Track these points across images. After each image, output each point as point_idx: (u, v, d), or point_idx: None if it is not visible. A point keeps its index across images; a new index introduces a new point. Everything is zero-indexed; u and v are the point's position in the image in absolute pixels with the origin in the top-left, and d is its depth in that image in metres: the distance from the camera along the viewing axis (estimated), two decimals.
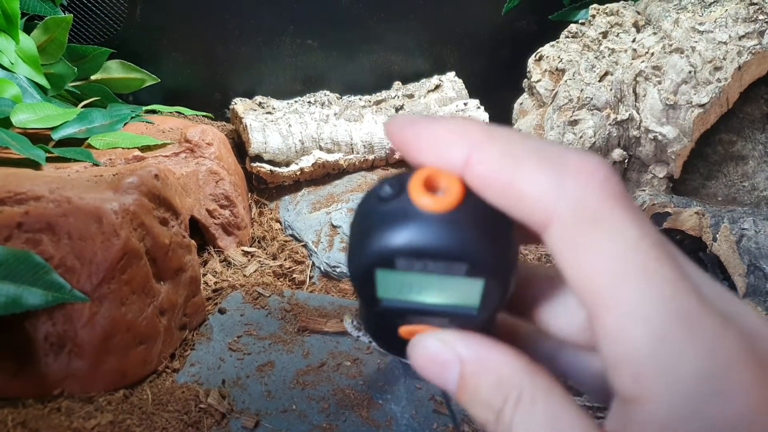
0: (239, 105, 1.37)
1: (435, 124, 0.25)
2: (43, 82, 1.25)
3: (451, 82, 1.44)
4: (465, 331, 0.27)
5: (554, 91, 1.33)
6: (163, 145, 1.17)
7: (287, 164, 1.30)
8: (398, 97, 1.43)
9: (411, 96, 1.43)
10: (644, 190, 1.21)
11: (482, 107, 1.41)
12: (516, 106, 1.43)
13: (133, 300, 0.88)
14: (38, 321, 0.83)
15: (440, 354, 0.27)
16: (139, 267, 0.89)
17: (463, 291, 0.27)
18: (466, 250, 0.25)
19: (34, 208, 0.86)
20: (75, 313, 0.84)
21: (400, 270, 0.27)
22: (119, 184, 0.93)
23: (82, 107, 1.28)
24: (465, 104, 1.39)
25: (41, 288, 0.82)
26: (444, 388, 0.28)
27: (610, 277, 0.21)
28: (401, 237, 0.25)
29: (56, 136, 1.14)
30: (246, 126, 1.29)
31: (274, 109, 1.37)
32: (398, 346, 0.31)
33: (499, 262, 0.26)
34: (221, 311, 1.02)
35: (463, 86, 1.44)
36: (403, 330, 0.30)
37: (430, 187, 0.26)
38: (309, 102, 1.40)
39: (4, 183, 0.89)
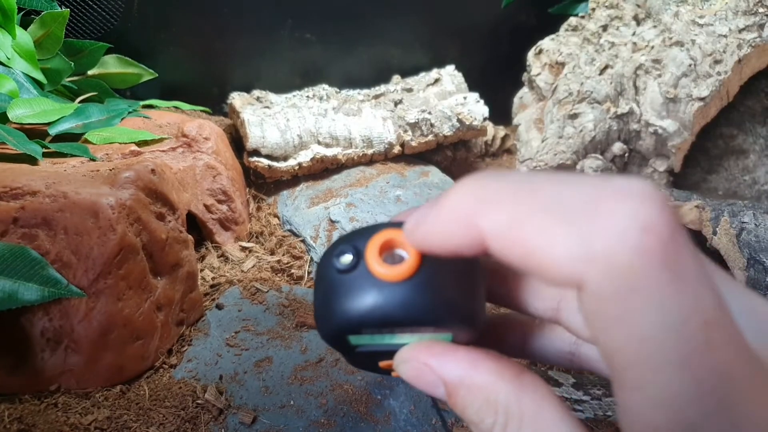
0: (237, 99, 1.36)
1: (435, 216, 0.23)
2: (40, 77, 1.24)
3: (450, 75, 1.44)
4: (448, 347, 0.26)
5: (554, 85, 1.32)
6: (160, 140, 1.16)
7: (285, 159, 1.29)
8: (397, 91, 1.42)
9: (410, 90, 1.42)
10: None
11: (482, 101, 1.40)
12: (516, 99, 1.42)
13: (129, 295, 0.87)
14: (35, 316, 0.83)
15: (424, 375, 0.27)
16: (136, 262, 0.88)
17: (434, 336, 0.27)
18: (429, 316, 0.25)
19: (30, 203, 0.85)
20: (71, 309, 0.83)
21: (367, 334, 0.27)
22: (116, 178, 0.92)
23: (79, 102, 1.27)
24: (464, 98, 1.39)
25: (37, 283, 0.81)
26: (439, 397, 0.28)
27: (645, 358, 0.18)
28: (363, 308, 0.25)
29: (53, 131, 1.13)
30: (243, 121, 1.29)
31: (272, 103, 1.37)
32: (383, 371, 0.31)
33: (465, 314, 0.26)
34: (219, 307, 1.02)
35: (463, 80, 1.43)
36: (383, 364, 0.30)
37: (387, 251, 0.25)
38: (307, 96, 1.39)
39: (0, 178, 0.89)
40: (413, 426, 0.84)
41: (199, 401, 0.84)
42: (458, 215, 0.22)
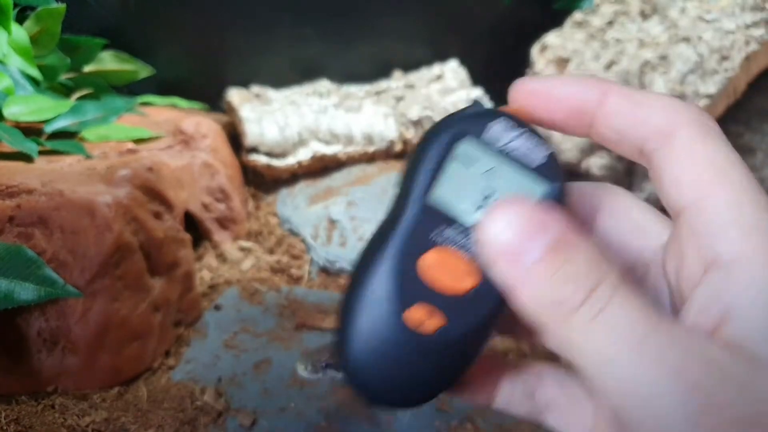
0: (235, 96, 1.35)
1: (564, 78, 0.29)
2: (36, 74, 1.22)
3: (453, 71, 1.42)
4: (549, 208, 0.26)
5: None
6: (157, 138, 1.15)
7: (284, 157, 1.27)
8: (399, 87, 1.40)
9: (412, 86, 1.41)
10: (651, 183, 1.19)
11: (486, 97, 1.38)
12: None
13: (126, 295, 0.86)
14: (31, 317, 0.81)
15: (525, 220, 0.25)
16: (133, 262, 0.87)
17: None
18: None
19: (26, 202, 0.84)
20: (68, 309, 0.82)
21: None
22: (112, 177, 0.91)
23: (76, 99, 1.25)
24: (469, 95, 1.37)
25: (34, 283, 0.80)
26: (507, 278, 0.25)
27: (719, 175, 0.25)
28: None
29: (49, 129, 1.12)
30: (241, 118, 1.27)
31: (270, 99, 1.35)
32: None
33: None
34: (217, 307, 1.00)
35: (466, 75, 1.42)
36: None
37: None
38: (307, 92, 1.37)
39: None
40: (416, 430, 0.82)
41: (197, 403, 0.82)
42: (587, 82, 0.29)
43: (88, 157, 1.04)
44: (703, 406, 0.21)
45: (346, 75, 1.49)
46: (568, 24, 1.37)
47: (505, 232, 0.24)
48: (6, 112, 1.10)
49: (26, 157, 1.01)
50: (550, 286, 0.24)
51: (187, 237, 0.99)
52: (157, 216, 0.94)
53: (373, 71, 1.50)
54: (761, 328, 0.23)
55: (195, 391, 0.84)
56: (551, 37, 1.36)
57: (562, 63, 1.34)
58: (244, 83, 1.43)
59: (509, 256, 0.25)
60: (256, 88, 1.39)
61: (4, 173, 0.89)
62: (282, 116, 1.29)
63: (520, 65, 1.40)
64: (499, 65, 1.54)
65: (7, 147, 1.04)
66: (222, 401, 0.83)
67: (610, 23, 1.33)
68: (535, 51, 1.37)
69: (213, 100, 1.47)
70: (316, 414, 0.83)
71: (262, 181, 1.31)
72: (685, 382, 0.21)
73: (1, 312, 0.79)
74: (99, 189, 0.88)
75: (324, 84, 1.41)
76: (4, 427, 0.75)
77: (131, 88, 1.42)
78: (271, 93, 1.38)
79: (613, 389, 0.23)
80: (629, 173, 1.32)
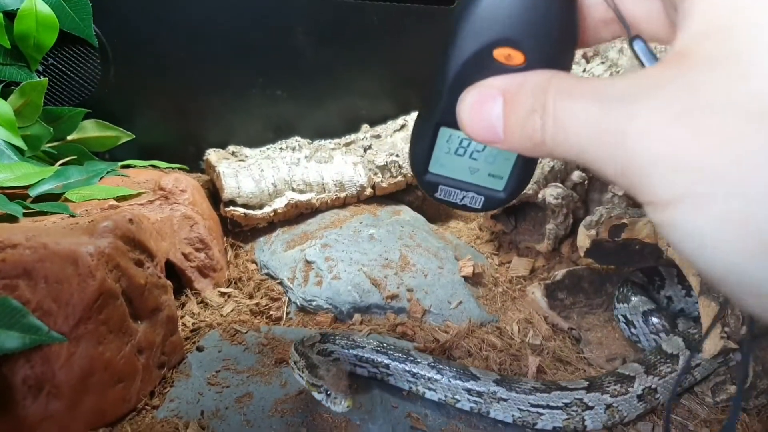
0: (212, 155, 1.42)
1: None
2: (20, 143, 1.29)
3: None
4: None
5: None
6: (138, 194, 1.21)
7: (261, 207, 1.34)
8: (366, 138, 1.49)
9: (378, 136, 1.49)
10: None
11: None
12: None
13: (110, 339, 0.90)
14: (16, 365, 0.84)
15: (485, 101, 0.39)
16: (116, 307, 0.91)
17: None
18: None
19: (11, 255, 0.88)
20: (52, 355, 0.85)
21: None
22: (94, 228, 0.96)
23: (59, 166, 1.31)
24: None
25: (18, 331, 0.84)
26: (492, 138, 0.40)
27: None
28: None
29: (33, 192, 1.17)
30: (219, 173, 1.34)
31: (246, 156, 1.42)
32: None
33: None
34: (199, 349, 1.04)
35: None
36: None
37: None
38: (280, 148, 1.45)
39: None
40: None
41: None
42: None
43: (72, 215, 1.10)
44: None
45: (317, 132, 1.58)
46: None
47: (470, 122, 0.41)
48: None
49: (11, 219, 1.07)
50: (516, 131, 0.38)
51: (168, 283, 1.03)
52: (139, 264, 0.99)
53: (342, 127, 1.59)
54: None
55: (179, 427, 0.87)
56: None
57: None
58: (220, 145, 1.51)
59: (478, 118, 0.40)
60: (232, 147, 1.47)
61: None
62: (257, 170, 1.36)
63: None
64: None
65: None
66: None
67: None
68: None
69: (191, 162, 1.55)
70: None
71: (240, 231, 1.36)
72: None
73: None
74: (82, 240, 0.93)
75: (296, 140, 1.49)
76: None
77: (113, 154, 1.49)
78: (246, 151, 1.46)
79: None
80: (585, 202, 1.40)
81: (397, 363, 0.95)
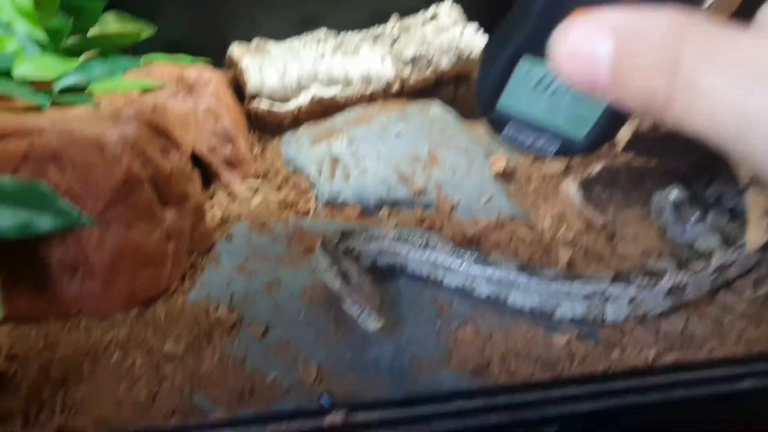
0: (236, 49, 1.38)
1: None
2: (42, 36, 1.27)
3: (447, 11, 1.43)
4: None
5: None
6: (162, 87, 1.19)
7: (285, 102, 1.31)
8: (395, 29, 1.42)
9: (407, 28, 1.43)
10: None
11: (480, 31, 1.40)
12: None
13: (139, 224, 0.90)
14: (51, 246, 0.87)
15: (589, 28, 0.30)
16: (143, 193, 0.91)
17: None
18: None
19: (38, 140, 0.88)
20: (84, 237, 0.87)
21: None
22: (119, 116, 0.95)
23: (83, 60, 1.29)
24: (462, 30, 1.39)
25: (51, 214, 0.85)
26: (590, 84, 0.31)
27: None
28: None
29: (58, 86, 1.16)
30: (243, 67, 1.30)
31: (270, 50, 1.38)
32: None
33: None
34: (228, 238, 1.04)
35: (460, 13, 1.43)
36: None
37: None
38: (305, 41, 1.40)
39: (7, 119, 0.92)
40: (418, 330, 0.86)
41: (212, 318, 0.87)
42: None
43: (96, 107, 1.09)
44: None
45: (344, 24, 1.51)
46: None
47: (566, 64, 0.31)
48: (16, 73, 1.14)
49: (38, 110, 1.06)
50: (627, 87, 0.30)
51: (194, 172, 1.03)
52: (164, 151, 0.98)
53: (370, 18, 1.52)
54: None
55: (209, 309, 0.88)
56: None
57: None
58: (245, 38, 1.46)
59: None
60: (256, 41, 1.42)
61: (15, 118, 0.94)
62: (281, 63, 1.32)
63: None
64: (493, 2, 1.55)
65: (19, 103, 1.09)
66: (235, 315, 0.87)
67: None
68: None
69: (215, 57, 1.50)
70: (324, 323, 0.87)
71: (265, 127, 1.34)
72: None
73: (24, 242, 0.84)
74: (106, 126, 0.92)
75: (322, 32, 1.43)
76: (35, 342, 0.81)
77: (135, 49, 1.45)
78: (271, 44, 1.41)
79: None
80: None
81: (416, 251, 0.95)
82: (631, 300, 0.90)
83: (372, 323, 0.78)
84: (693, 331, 0.91)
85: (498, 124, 0.45)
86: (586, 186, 1.18)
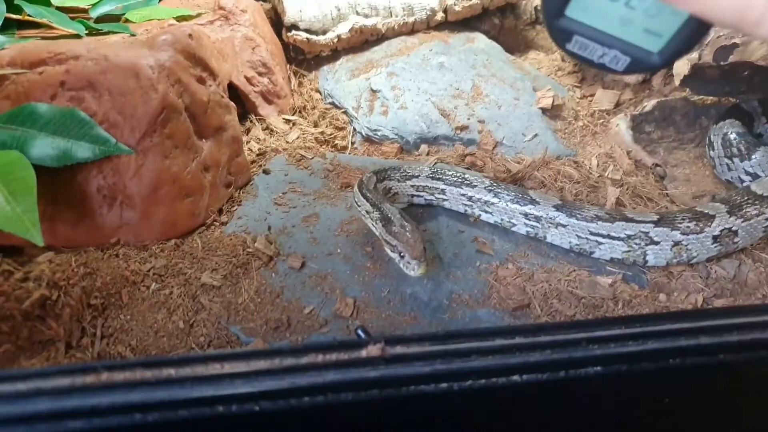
0: None
1: None
2: None
3: None
4: None
5: None
6: (198, 15, 1.16)
7: (324, 32, 1.26)
8: None
9: None
10: None
11: None
12: None
13: (176, 154, 0.89)
14: (90, 174, 0.86)
15: None
16: (180, 122, 0.89)
17: None
18: None
19: (74, 67, 0.87)
20: (122, 166, 0.86)
21: None
22: (154, 42, 0.92)
23: None
24: None
25: (88, 142, 0.84)
26: None
27: None
28: None
29: (94, 13, 1.14)
30: None
31: None
32: None
33: None
34: (266, 172, 1.03)
35: None
36: None
37: None
38: None
39: (45, 46, 0.91)
40: (457, 267, 0.84)
41: (249, 250, 0.86)
42: None
43: (132, 35, 1.06)
44: None
45: None
46: None
47: None
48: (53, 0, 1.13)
49: (75, 38, 1.05)
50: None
51: (231, 104, 1.01)
52: (201, 81, 0.96)
53: None
54: None
55: (247, 241, 0.88)
56: None
57: None
58: None
59: None
60: None
61: (52, 44, 0.92)
62: None
63: None
64: None
65: (56, 31, 1.08)
66: (272, 248, 0.87)
67: None
68: None
69: None
70: (361, 257, 0.86)
71: (303, 59, 1.30)
72: None
73: (62, 169, 0.84)
74: (142, 53, 0.90)
75: None
76: (75, 270, 0.81)
77: None
78: None
79: None
80: None
81: (452, 187, 0.92)
82: (676, 244, 0.85)
83: (413, 271, 0.76)
84: (744, 276, 0.86)
85: (563, 35, 0.39)
86: (637, 124, 1.12)
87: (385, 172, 0.93)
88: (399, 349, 0.61)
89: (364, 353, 0.60)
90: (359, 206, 0.86)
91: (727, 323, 0.66)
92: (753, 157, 0.98)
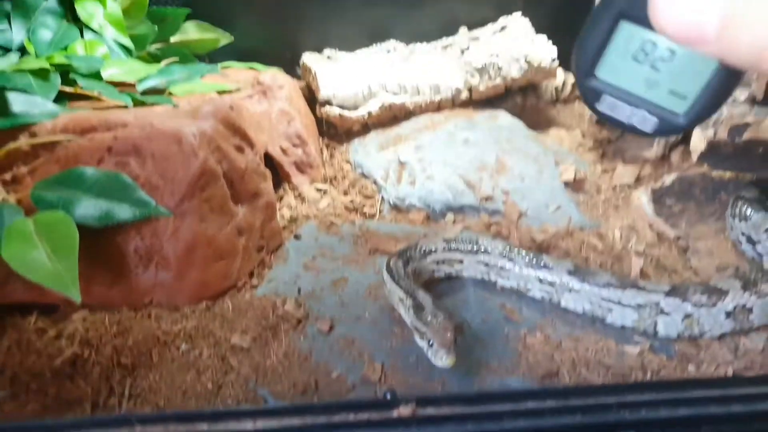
0: (309, 57, 1.42)
1: None
2: (128, 43, 1.33)
3: (517, 22, 1.43)
4: None
5: None
6: (238, 90, 1.22)
7: (355, 108, 1.33)
8: (464, 40, 1.42)
9: (476, 39, 1.43)
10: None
11: (550, 42, 1.38)
12: None
13: (212, 218, 0.93)
14: (128, 235, 0.90)
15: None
16: (217, 187, 0.94)
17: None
18: None
19: (122, 133, 0.93)
20: (160, 228, 0.90)
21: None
22: (197, 112, 0.98)
23: (164, 65, 1.35)
24: (532, 40, 1.37)
25: (129, 204, 0.88)
26: (696, 37, 0.31)
27: None
28: None
29: (140, 87, 1.21)
30: (315, 74, 1.33)
31: (342, 59, 1.41)
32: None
33: None
34: (297, 237, 1.06)
35: (530, 25, 1.42)
36: None
37: None
38: (376, 51, 1.42)
39: (96, 115, 0.97)
40: (486, 334, 0.84)
41: (279, 312, 0.88)
42: None
43: (175, 106, 1.13)
44: None
45: (413, 35, 1.52)
46: None
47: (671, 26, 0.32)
48: (104, 74, 1.20)
49: (122, 108, 1.11)
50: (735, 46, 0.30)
51: (267, 171, 1.06)
52: (239, 149, 1.01)
53: (439, 30, 1.53)
54: None
55: (276, 303, 0.89)
56: None
57: None
58: (316, 49, 1.49)
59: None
60: (328, 51, 1.45)
61: (103, 113, 0.98)
62: (353, 71, 1.34)
63: (580, 14, 1.38)
64: (564, 16, 1.53)
65: (105, 102, 1.15)
66: (302, 311, 0.88)
67: None
68: None
69: (288, 67, 1.54)
70: (389, 322, 0.87)
71: (335, 133, 1.36)
72: None
73: (103, 231, 0.87)
74: (185, 122, 0.95)
75: (392, 43, 1.45)
76: (108, 329, 0.83)
77: (212, 57, 1.51)
78: (342, 54, 1.44)
79: None
80: None
81: (468, 255, 0.94)
82: (687, 316, 0.85)
83: (441, 361, 0.74)
84: None
85: (593, 94, 0.42)
86: (658, 197, 1.14)
87: (407, 252, 0.94)
88: (430, 410, 0.61)
89: (395, 413, 0.60)
90: (391, 292, 0.87)
91: (760, 392, 0.65)
92: (752, 217, 1.00)
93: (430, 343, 0.76)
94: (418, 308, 0.81)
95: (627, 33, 0.39)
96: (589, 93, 0.42)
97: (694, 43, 0.30)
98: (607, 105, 0.42)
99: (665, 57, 0.39)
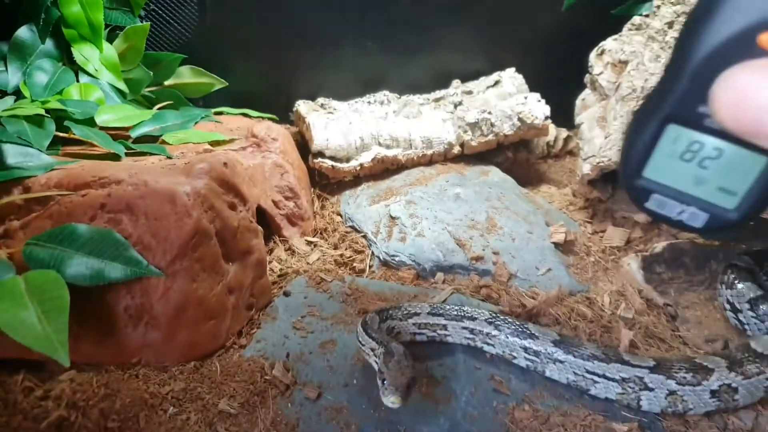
0: (302, 106, 1.42)
1: None
2: (123, 87, 1.34)
3: (510, 77, 1.45)
4: None
5: (617, 83, 1.31)
6: (231, 141, 1.23)
7: (348, 160, 1.33)
8: (457, 94, 1.44)
9: (469, 92, 1.45)
10: None
11: (543, 100, 1.40)
12: (578, 102, 1.42)
13: (203, 277, 0.92)
14: (119, 294, 0.89)
15: (757, 74, 0.32)
16: (210, 246, 0.93)
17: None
18: None
19: (116, 191, 0.92)
20: (151, 288, 0.89)
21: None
22: (191, 169, 0.98)
23: (157, 110, 1.35)
24: (525, 97, 1.40)
25: (121, 263, 0.88)
26: (758, 131, 0.32)
27: None
28: None
29: (134, 134, 1.21)
30: (309, 124, 1.34)
31: (335, 109, 1.42)
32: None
33: None
34: (286, 294, 1.05)
35: (523, 81, 1.45)
36: None
37: None
38: (369, 102, 1.44)
39: (90, 169, 0.97)
40: (474, 407, 0.84)
41: (267, 377, 0.87)
42: None
43: (169, 157, 1.13)
44: None
45: (406, 86, 1.54)
46: (626, 28, 1.38)
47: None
48: (98, 120, 1.20)
49: (115, 157, 1.11)
50: None
51: (259, 228, 1.05)
52: (232, 207, 1.01)
53: (432, 82, 1.55)
54: None
55: (265, 367, 0.89)
56: (609, 42, 1.37)
57: (620, 66, 1.35)
58: (310, 96, 1.51)
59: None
60: (321, 99, 1.46)
61: (97, 167, 0.98)
62: (346, 123, 1.35)
63: (574, 71, 1.41)
64: (556, 72, 1.57)
65: (99, 149, 1.15)
66: (290, 376, 0.87)
67: (670, 24, 1.33)
68: (593, 55, 1.39)
69: (281, 113, 1.56)
70: (377, 391, 0.86)
71: (327, 184, 1.37)
72: None
73: (93, 289, 0.86)
74: (179, 180, 0.95)
75: (385, 94, 1.46)
76: (96, 390, 0.82)
77: (206, 101, 1.52)
78: (335, 103, 1.45)
79: None
80: None
81: (453, 322, 0.94)
82: (671, 393, 0.86)
83: (387, 398, 0.75)
84: (763, 428, 0.86)
85: (642, 194, 0.43)
86: (648, 264, 1.15)
87: (386, 310, 0.95)
88: None
89: None
90: (363, 345, 0.87)
91: None
92: (737, 286, 1.02)
93: (384, 382, 0.77)
94: (387, 355, 0.82)
95: (674, 134, 0.40)
96: (637, 193, 0.43)
97: (757, 137, 0.32)
98: (656, 203, 0.43)
99: (713, 155, 0.40)
